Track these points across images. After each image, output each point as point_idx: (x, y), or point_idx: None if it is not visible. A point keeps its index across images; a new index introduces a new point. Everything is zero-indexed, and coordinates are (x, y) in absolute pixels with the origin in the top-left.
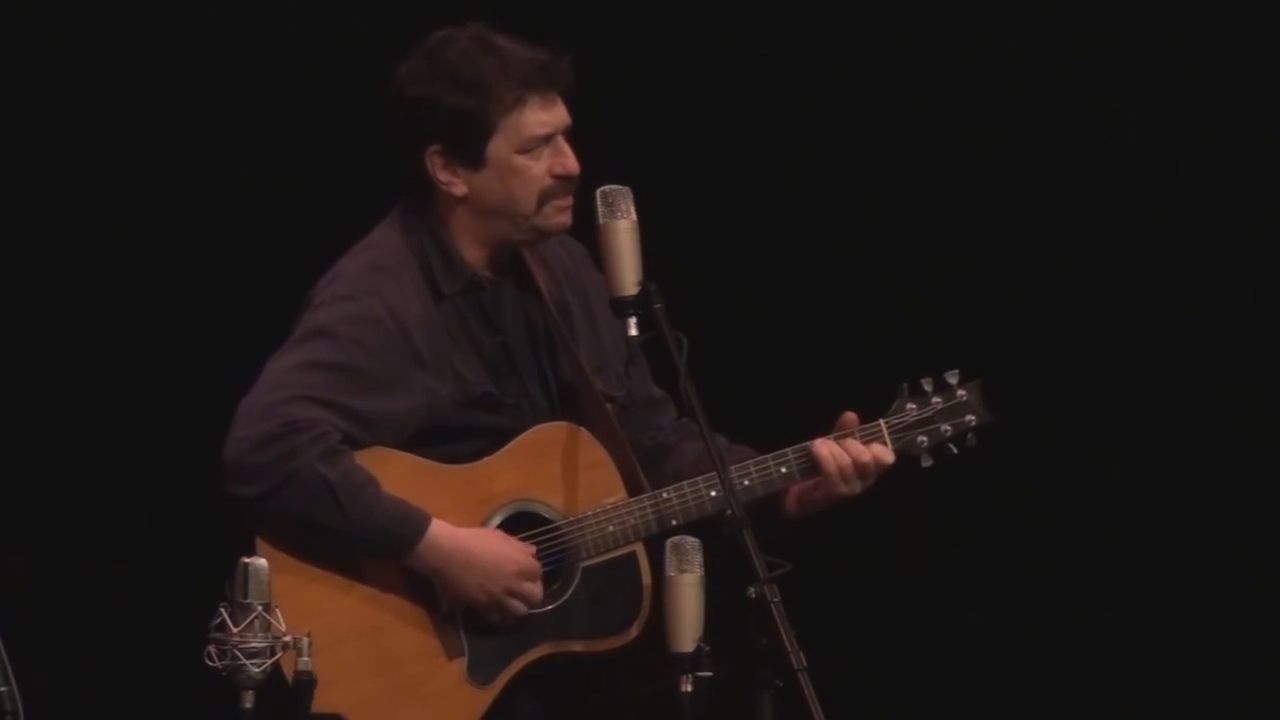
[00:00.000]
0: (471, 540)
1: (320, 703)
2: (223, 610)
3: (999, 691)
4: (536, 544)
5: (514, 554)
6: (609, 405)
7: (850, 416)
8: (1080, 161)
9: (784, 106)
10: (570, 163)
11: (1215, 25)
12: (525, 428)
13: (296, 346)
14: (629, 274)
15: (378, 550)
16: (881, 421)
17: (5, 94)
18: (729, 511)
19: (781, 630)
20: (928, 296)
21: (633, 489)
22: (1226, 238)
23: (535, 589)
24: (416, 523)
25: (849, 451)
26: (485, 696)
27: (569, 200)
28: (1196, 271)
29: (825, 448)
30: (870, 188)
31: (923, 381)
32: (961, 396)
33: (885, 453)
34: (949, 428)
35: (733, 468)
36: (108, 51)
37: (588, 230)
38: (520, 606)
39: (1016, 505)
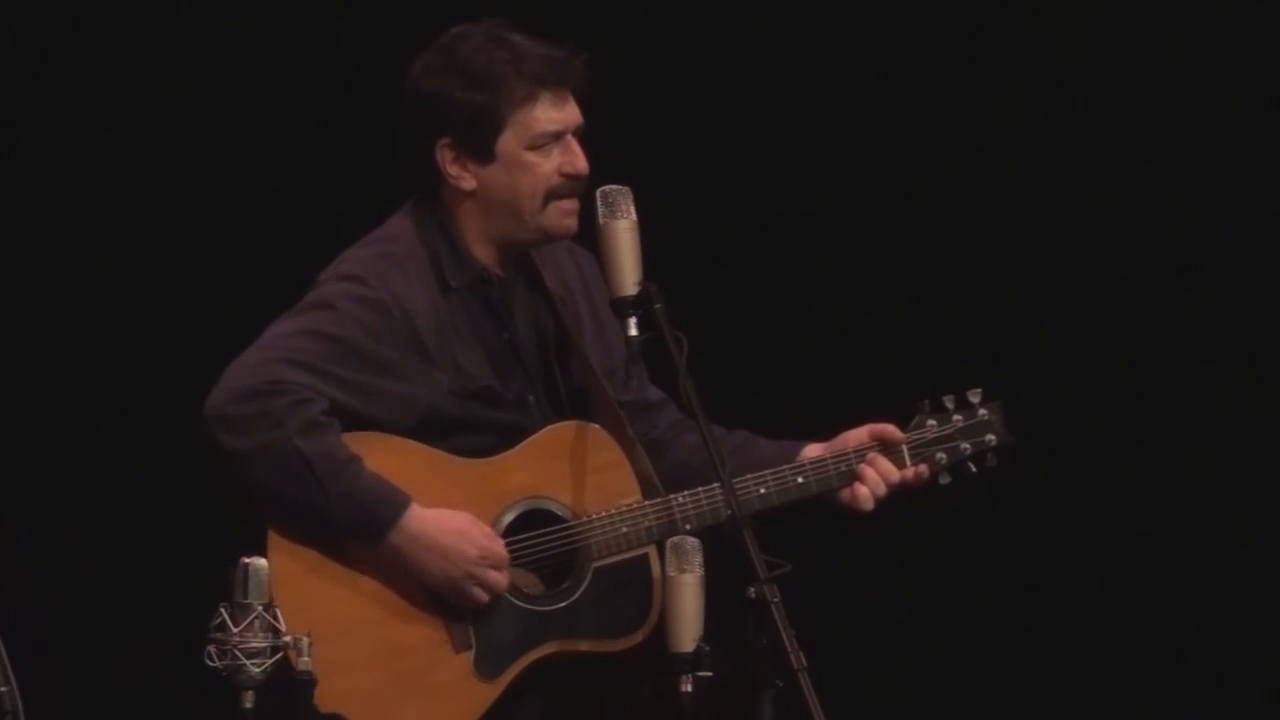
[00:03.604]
0: (436, 522)
1: (323, 693)
2: (223, 610)
3: (999, 692)
4: (546, 543)
5: (478, 538)
6: (620, 409)
7: (887, 428)
8: (1109, 178)
9: (788, 105)
10: (579, 162)
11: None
12: (529, 425)
13: (295, 315)
14: (629, 274)
15: (355, 528)
16: (901, 436)
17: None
18: (729, 511)
19: (781, 630)
20: (944, 305)
21: (648, 492)
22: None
23: (499, 577)
24: (395, 503)
25: (880, 472)
26: (491, 691)
27: (575, 204)
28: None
29: (868, 475)
30: (882, 190)
31: (944, 399)
32: (983, 416)
33: (922, 470)
34: (968, 446)
35: (749, 476)
36: (114, 45)
37: (588, 230)
38: (481, 594)
39: (1018, 505)
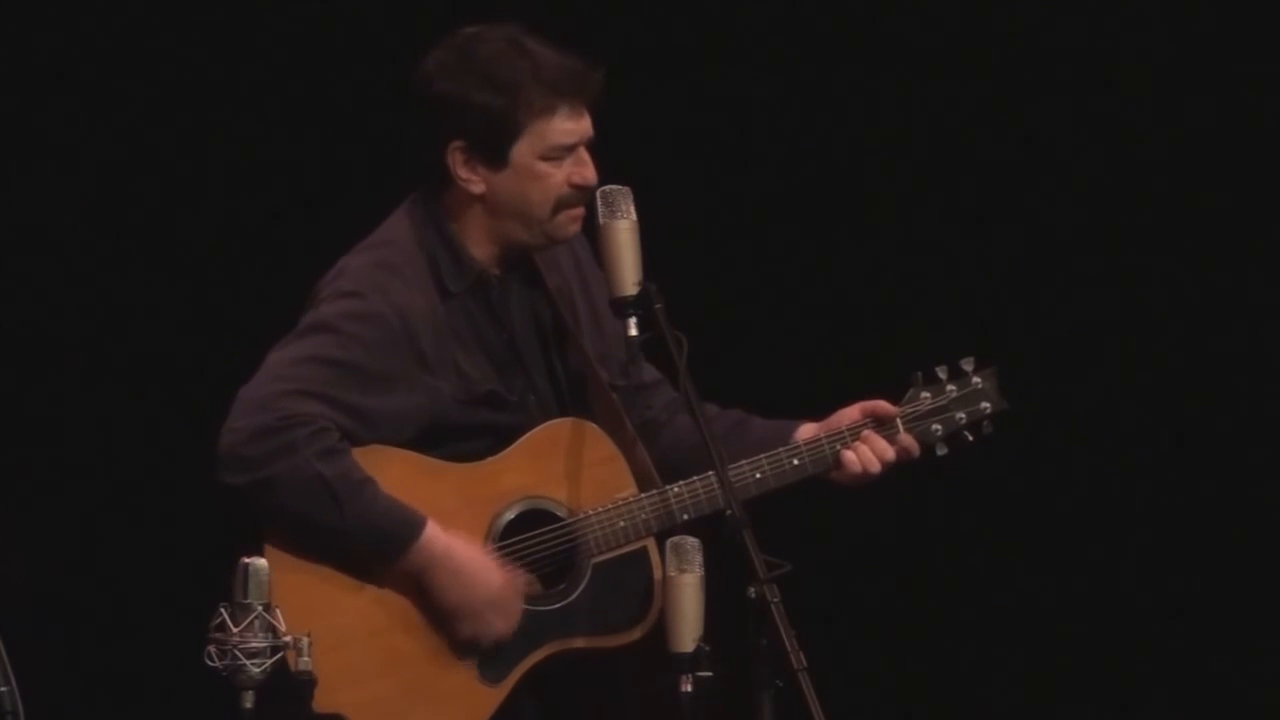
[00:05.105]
0: (460, 549)
1: (330, 704)
2: (223, 610)
3: (999, 691)
4: (545, 541)
5: (498, 576)
6: (615, 396)
7: (882, 405)
8: (1091, 152)
9: (785, 101)
10: (590, 173)
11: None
12: (532, 425)
13: (298, 340)
14: (629, 274)
15: (371, 549)
16: (895, 410)
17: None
18: (728, 511)
19: (781, 630)
20: (936, 287)
21: (644, 484)
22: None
23: (508, 619)
24: (412, 524)
25: (874, 450)
26: (496, 695)
27: (581, 210)
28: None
29: (852, 454)
30: (875, 180)
31: (937, 369)
32: (977, 384)
33: (912, 444)
34: (964, 415)
35: (744, 461)
36: (109, 45)
37: (588, 231)
38: (486, 630)
39: (1018, 504)
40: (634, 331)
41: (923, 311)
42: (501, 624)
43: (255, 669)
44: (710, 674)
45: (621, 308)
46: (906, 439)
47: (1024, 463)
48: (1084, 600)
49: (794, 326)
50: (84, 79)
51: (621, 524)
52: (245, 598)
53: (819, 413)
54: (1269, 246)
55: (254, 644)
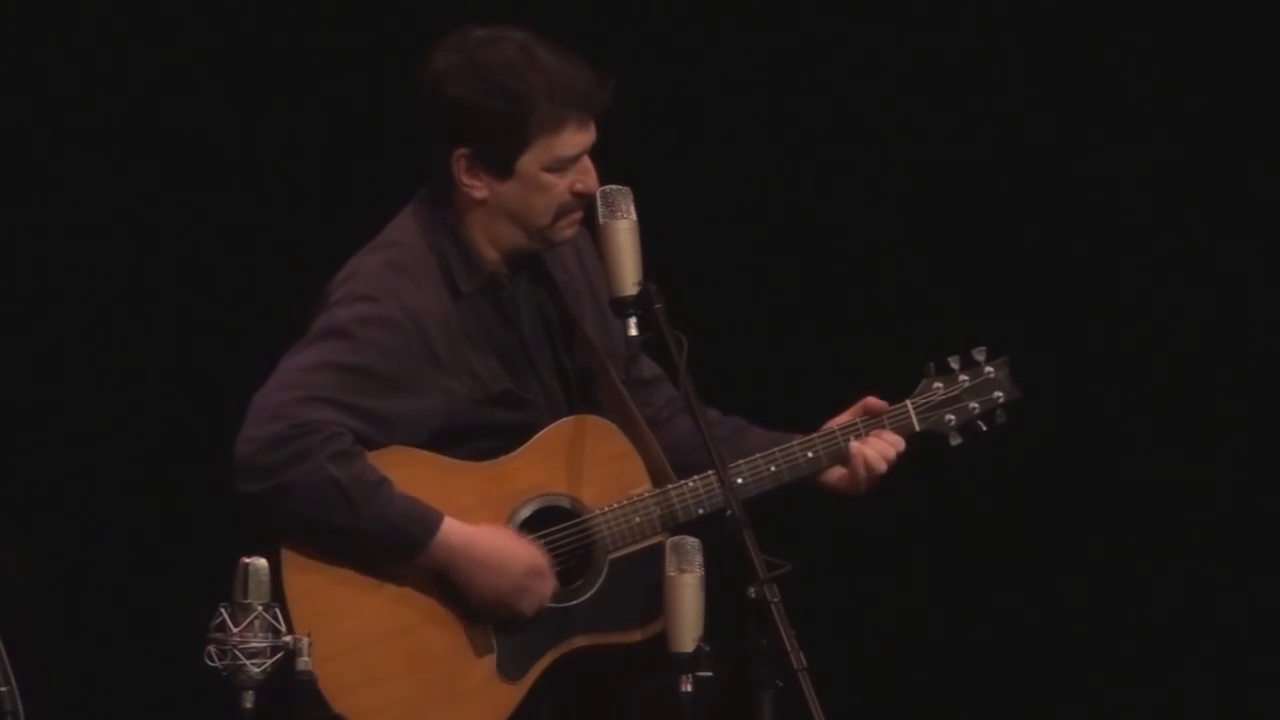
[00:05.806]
0: (480, 538)
1: (350, 705)
2: (223, 610)
3: (1000, 691)
4: (561, 538)
5: (522, 552)
6: (625, 390)
7: (873, 402)
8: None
9: (785, 97)
10: (593, 181)
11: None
12: (544, 422)
13: (311, 345)
14: (629, 274)
15: (389, 549)
16: (908, 402)
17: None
18: (729, 511)
19: (781, 630)
20: (936, 288)
21: (658, 478)
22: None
23: (545, 586)
24: (429, 521)
25: (880, 452)
26: (516, 692)
27: (580, 215)
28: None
29: (860, 450)
30: (875, 178)
31: (949, 359)
32: (989, 373)
33: (898, 441)
34: (977, 405)
35: (758, 455)
36: (112, 43)
37: (588, 230)
38: (530, 604)
39: (1020, 504)
40: (634, 331)
41: (924, 312)
42: (542, 590)
43: (255, 669)
44: (710, 674)
45: (621, 308)
46: (890, 437)
47: (1023, 462)
48: (1087, 600)
49: (794, 326)
50: (89, 77)
51: (637, 519)
52: (245, 598)
53: (819, 412)
54: (1271, 241)
55: (254, 644)
